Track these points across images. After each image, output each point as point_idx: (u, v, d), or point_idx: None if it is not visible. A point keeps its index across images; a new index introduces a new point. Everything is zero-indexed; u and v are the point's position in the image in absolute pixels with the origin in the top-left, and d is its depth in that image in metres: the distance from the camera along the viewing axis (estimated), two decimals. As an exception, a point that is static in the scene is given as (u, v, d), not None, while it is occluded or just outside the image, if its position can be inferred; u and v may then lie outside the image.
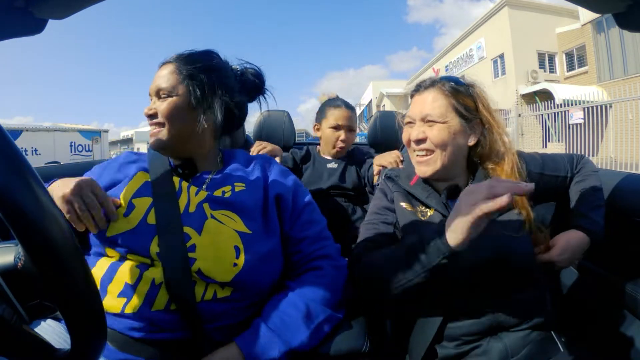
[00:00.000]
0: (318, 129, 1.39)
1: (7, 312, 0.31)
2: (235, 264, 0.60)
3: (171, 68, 0.70)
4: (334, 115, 1.31)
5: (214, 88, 0.72)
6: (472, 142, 0.76)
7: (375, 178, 1.22)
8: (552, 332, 0.68)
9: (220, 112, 0.73)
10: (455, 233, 0.55)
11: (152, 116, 0.69)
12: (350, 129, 1.33)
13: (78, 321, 0.34)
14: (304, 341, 0.57)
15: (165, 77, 0.70)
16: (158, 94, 0.69)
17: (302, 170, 1.38)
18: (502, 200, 0.50)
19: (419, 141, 0.75)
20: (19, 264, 0.34)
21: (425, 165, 0.75)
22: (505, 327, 0.67)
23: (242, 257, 0.60)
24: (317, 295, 0.63)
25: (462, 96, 0.75)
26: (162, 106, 0.69)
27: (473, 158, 0.79)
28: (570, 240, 0.75)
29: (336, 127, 1.32)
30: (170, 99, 0.69)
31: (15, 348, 0.33)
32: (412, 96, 0.81)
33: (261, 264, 0.62)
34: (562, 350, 0.66)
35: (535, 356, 0.64)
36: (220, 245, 0.60)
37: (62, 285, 0.32)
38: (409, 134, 0.78)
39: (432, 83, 0.77)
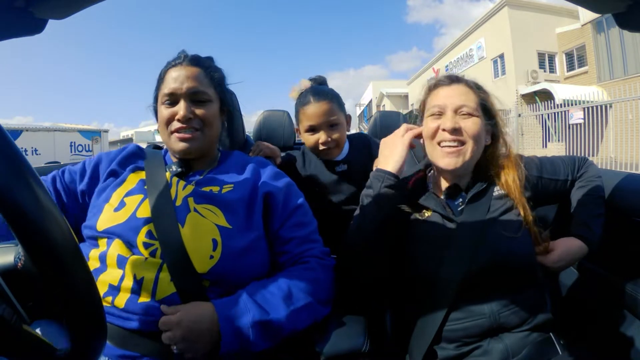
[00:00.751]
0: (300, 134, 1.13)
1: (7, 312, 0.31)
2: (211, 256, 0.61)
3: (200, 72, 0.71)
4: (305, 115, 1.04)
5: (229, 94, 0.78)
6: (488, 141, 0.77)
7: None
8: (551, 334, 0.68)
9: (232, 116, 0.82)
10: (392, 162, 0.72)
11: (189, 120, 0.69)
12: (329, 124, 1.03)
13: (78, 321, 0.34)
14: (281, 318, 0.57)
15: (198, 80, 0.70)
16: (191, 97, 0.70)
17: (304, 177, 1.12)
18: (418, 129, 0.76)
19: (454, 130, 0.71)
20: (19, 264, 0.34)
21: (456, 156, 0.72)
22: (506, 328, 0.67)
23: (219, 249, 0.62)
24: (301, 283, 0.64)
25: (486, 95, 0.76)
26: (202, 111, 0.70)
27: (485, 157, 0.78)
28: (570, 249, 0.75)
29: (312, 130, 1.05)
30: (209, 104, 0.71)
31: (15, 348, 0.33)
32: (431, 88, 0.79)
33: (238, 257, 0.63)
34: (560, 353, 0.66)
35: (535, 356, 0.64)
36: (198, 237, 0.62)
37: (62, 285, 0.32)
38: (437, 124, 0.73)
39: (457, 79, 0.77)
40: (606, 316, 0.83)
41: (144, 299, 0.57)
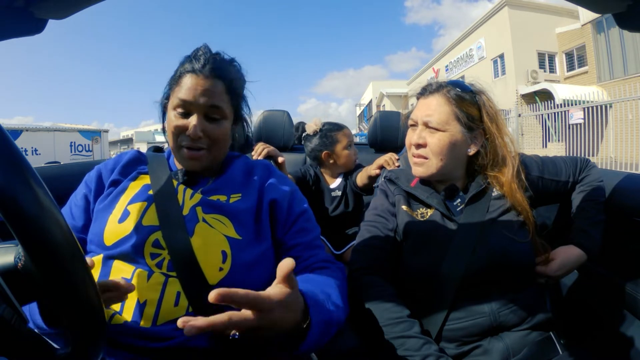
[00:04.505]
0: (329, 155, 1.42)
1: (7, 312, 0.31)
2: (221, 269, 0.60)
3: (221, 86, 0.66)
4: (347, 136, 1.43)
5: (243, 105, 0.75)
6: (472, 151, 0.77)
7: (367, 176, 1.27)
8: (552, 333, 0.68)
9: (243, 122, 0.77)
10: None
11: (199, 138, 0.65)
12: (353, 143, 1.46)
13: (78, 321, 0.34)
14: (340, 316, 0.55)
15: (216, 95, 0.65)
16: (206, 112, 0.65)
17: (312, 188, 1.44)
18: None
19: (418, 146, 0.76)
20: (19, 265, 0.34)
21: (420, 167, 0.77)
22: (506, 327, 0.67)
23: (229, 262, 0.60)
24: (334, 285, 0.60)
25: (467, 104, 0.74)
26: (214, 130, 0.66)
27: (474, 166, 0.79)
28: (570, 257, 0.75)
29: (350, 146, 1.44)
30: (222, 122, 0.67)
31: (15, 348, 0.33)
32: (417, 98, 0.81)
33: (247, 271, 0.62)
34: (560, 352, 0.66)
35: (536, 356, 0.64)
36: (207, 249, 0.60)
37: (62, 285, 0.31)
38: (410, 137, 0.78)
39: (439, 88, 0.76)
40: (606, 316, 0.83)
41: (144, 324, 0.55)
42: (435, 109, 0.74)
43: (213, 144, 0.67)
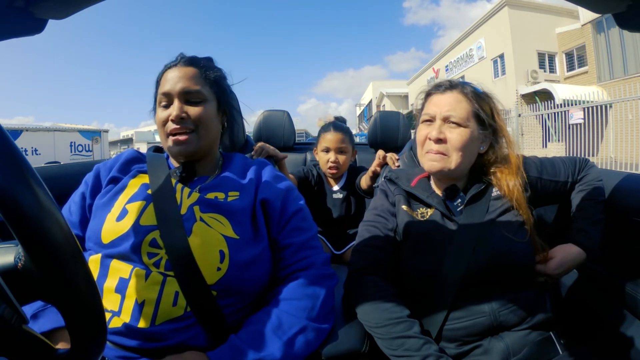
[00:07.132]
0: (316, 154, 1.49)
1: (7, 312, 0.31)
2: (218, 268, 0.60)
3: (195, 72, 0.70)
4: (324, 139, 1.41)
5: (228, 94, 0.77)
6: (483, 149, 0.77)
7: (369, 176, 1.26)
8: (552, 333, 0.68)
9: (233, 117, 0.80)
10: None
11: (182, 119, 0.68)
12: (340, 150, 1.40)
13: (78, 321, 0.34)
14: (274, 352, 0.55)
15: (192, 80, 0.69)
16: (185, 97, 0.69)
17: (315, 189, 1.45)
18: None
19: (439, 140, 0.73)
20: (19, 265, 0.34)
21: (437, 162, 0.74)
22: (506, 327, 0.67)
23: (226, 262, 0.60)
24: (291, 307, 0.61)
25: (483, 103, 0.75)
26: (196, 111, 0.69)
27: (480, 164, 0.79)
28: (568, 256, 0.75)
29: (326, 150, 1.41)
30: (204, 104, 0.70)
31: (15, 348, 0.33)
32: (428, 94, 0.80)
33: (245, 270, 0.62)
34: (560, 352, 0.66)
35: (536, 356, 0.64)
36: (205, 249, 0.60)
37: (62, 285, 0.31)
38: (427, 132, 0.76)
39: (453, 85, 0.76)
40: (606, 316, 0.83)
41: (143, 324, 0.55)
42: (456, 104, 0.73)
43: (198, 125, 0.69)
